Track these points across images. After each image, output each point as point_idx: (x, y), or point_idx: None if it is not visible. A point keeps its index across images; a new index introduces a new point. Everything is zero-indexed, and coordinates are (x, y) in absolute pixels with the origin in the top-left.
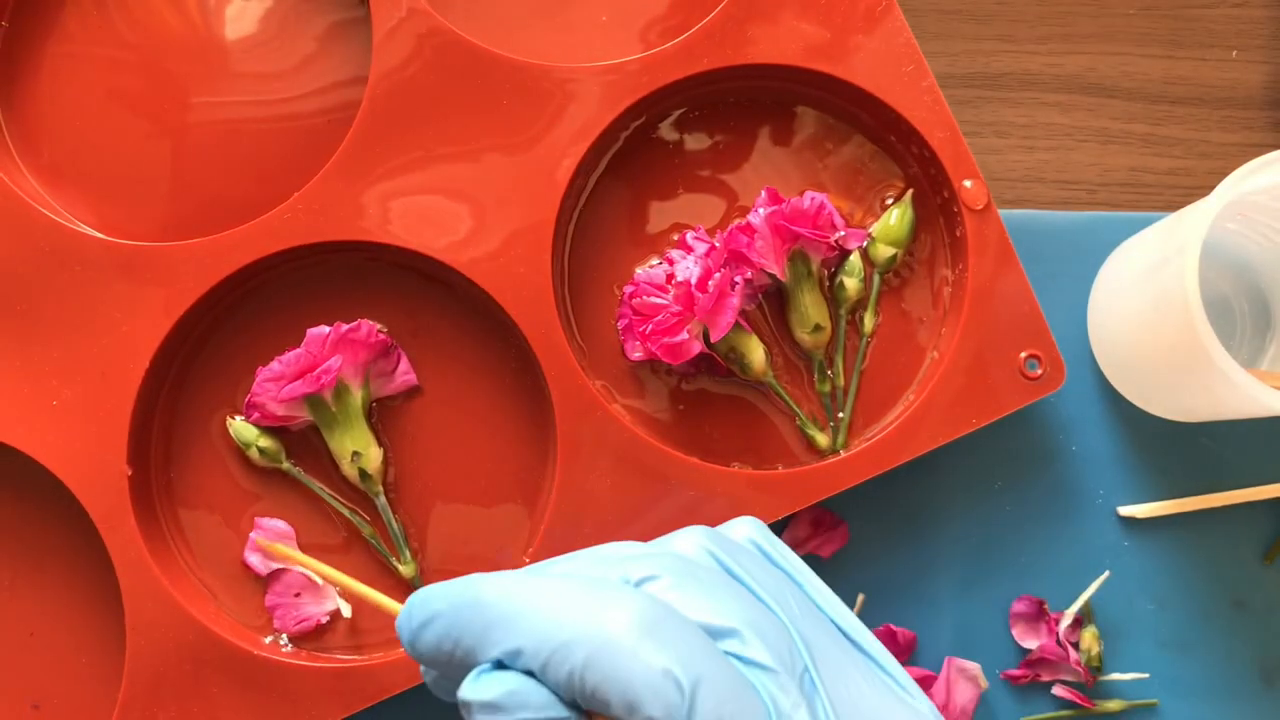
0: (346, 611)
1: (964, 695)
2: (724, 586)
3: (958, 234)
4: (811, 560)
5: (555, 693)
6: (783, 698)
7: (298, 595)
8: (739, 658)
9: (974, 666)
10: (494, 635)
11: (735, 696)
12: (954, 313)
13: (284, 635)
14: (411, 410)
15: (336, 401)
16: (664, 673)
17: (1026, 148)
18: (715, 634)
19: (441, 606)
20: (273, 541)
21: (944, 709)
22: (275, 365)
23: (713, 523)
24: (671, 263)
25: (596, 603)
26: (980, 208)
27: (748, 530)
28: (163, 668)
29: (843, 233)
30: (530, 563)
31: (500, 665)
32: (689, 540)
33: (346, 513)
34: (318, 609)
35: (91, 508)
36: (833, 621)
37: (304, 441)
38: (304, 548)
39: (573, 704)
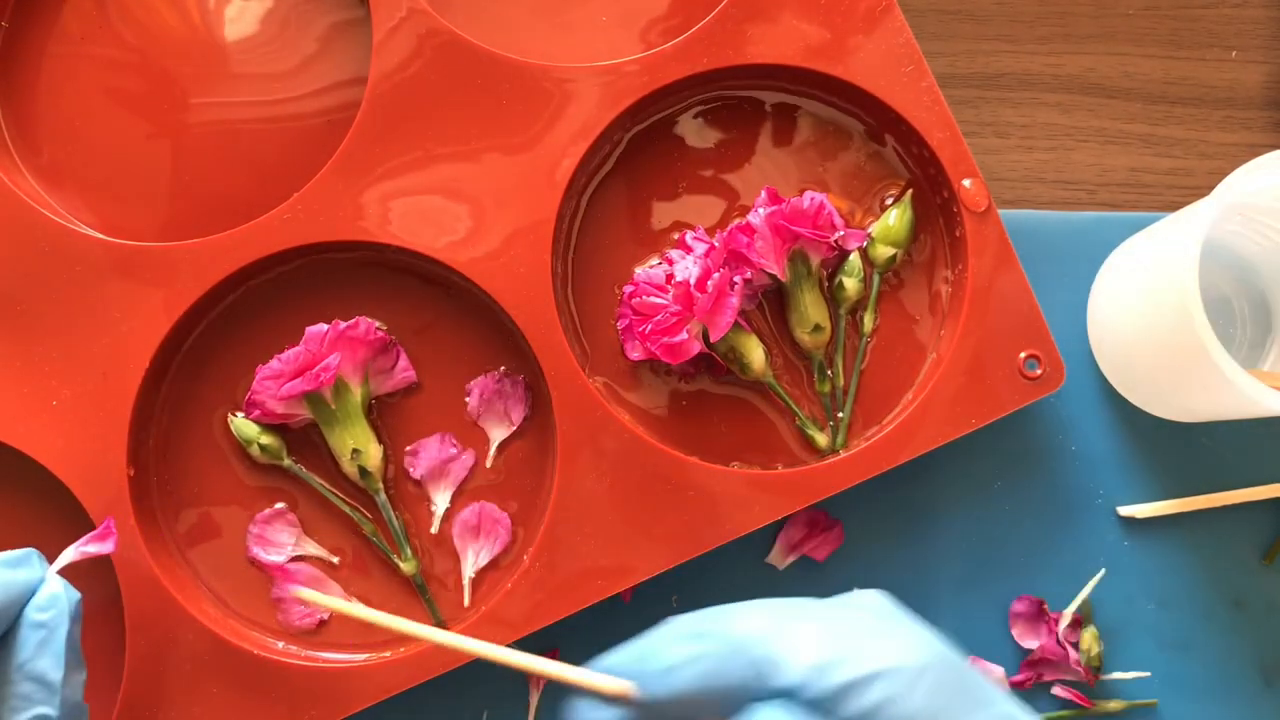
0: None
1: None
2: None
3: (957, 234)
4: (806, 563)
5: None
6: None
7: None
8: None
9: (997, 669)
10: (789, 658)
11: None
12: (953, 313)
13: (284, 636)
14: (411, 408)
15: (336, 399)
16: (986, 707)
17: (1026, 148)
18: None
19: (699, 647)
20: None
21: None
22: (275, 363)
23: (711, 522)
24: (671, 263)
25: (899, 639)
26: (981, 210)
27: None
28: (163, 668)
29: (842, 233)
30: (529, 563)
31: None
32: (866, 597)
33: (347, 510)
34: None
35: (91, 508)
36: None
37: (305, 439)
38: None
39: None
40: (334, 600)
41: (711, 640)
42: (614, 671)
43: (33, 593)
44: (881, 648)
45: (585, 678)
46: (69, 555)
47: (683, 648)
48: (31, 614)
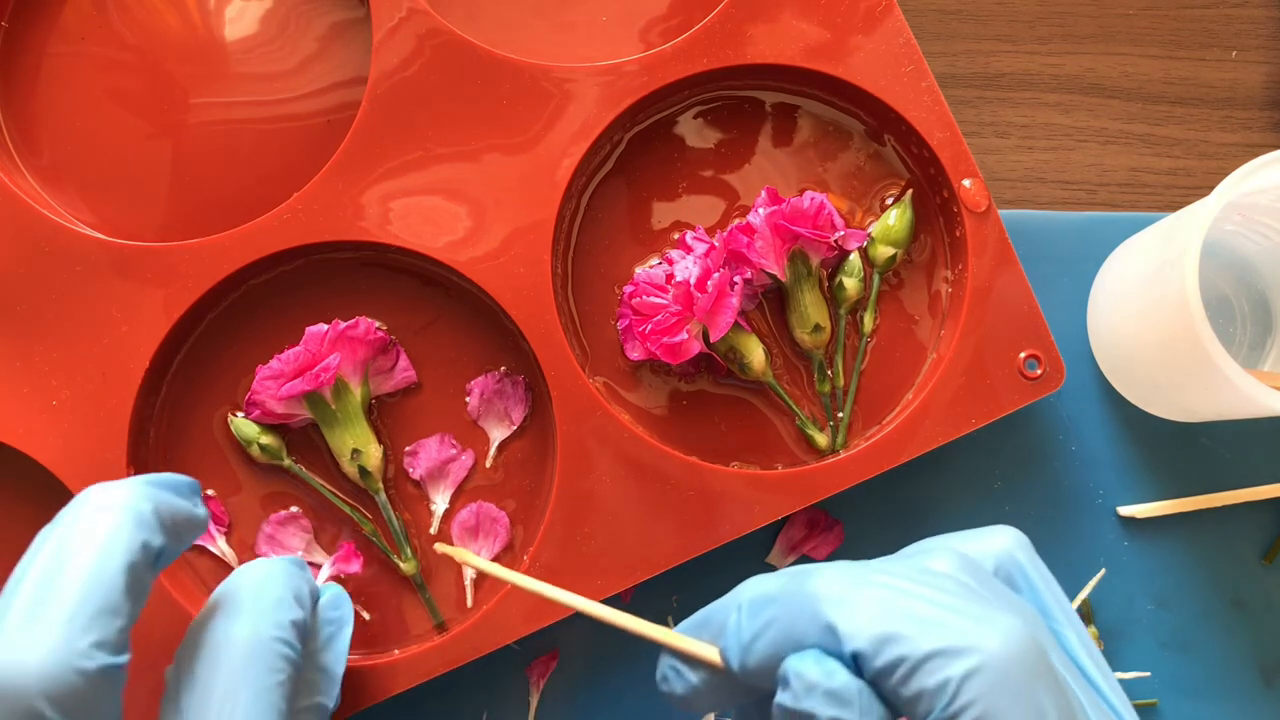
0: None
1: None
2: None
3: (957, 234)
4: (806, 563)
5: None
6: None
7: None
8: None
9: None
10: (850, 627)
11: None
12: (953, 313)
13: None
14: (411, 408)
15: (336, 399)
16: (1041, 714)
17: (1026, 148)
18: None
19: (772, 613)
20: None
21: None
22: (275, 363)
23: (711, 522)
24: (671, 262)
25: (976, 620)
26: (981, 210)
27: (1008, 544)
28: (163, 668)
29: (842, 233)
30: (530, 563)
31: (853, 668)
32: (943, 562)
33: (348, 510)
34: None
35: None
36: (1073, 658)
37: (305, 439)
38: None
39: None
40: (475, 558)
41: (782, 604)
42: (701, 635)
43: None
44: (951, 626)
45: (684, 643)
46: (326, 571)
47: (757, 618)
48: (326, 611)
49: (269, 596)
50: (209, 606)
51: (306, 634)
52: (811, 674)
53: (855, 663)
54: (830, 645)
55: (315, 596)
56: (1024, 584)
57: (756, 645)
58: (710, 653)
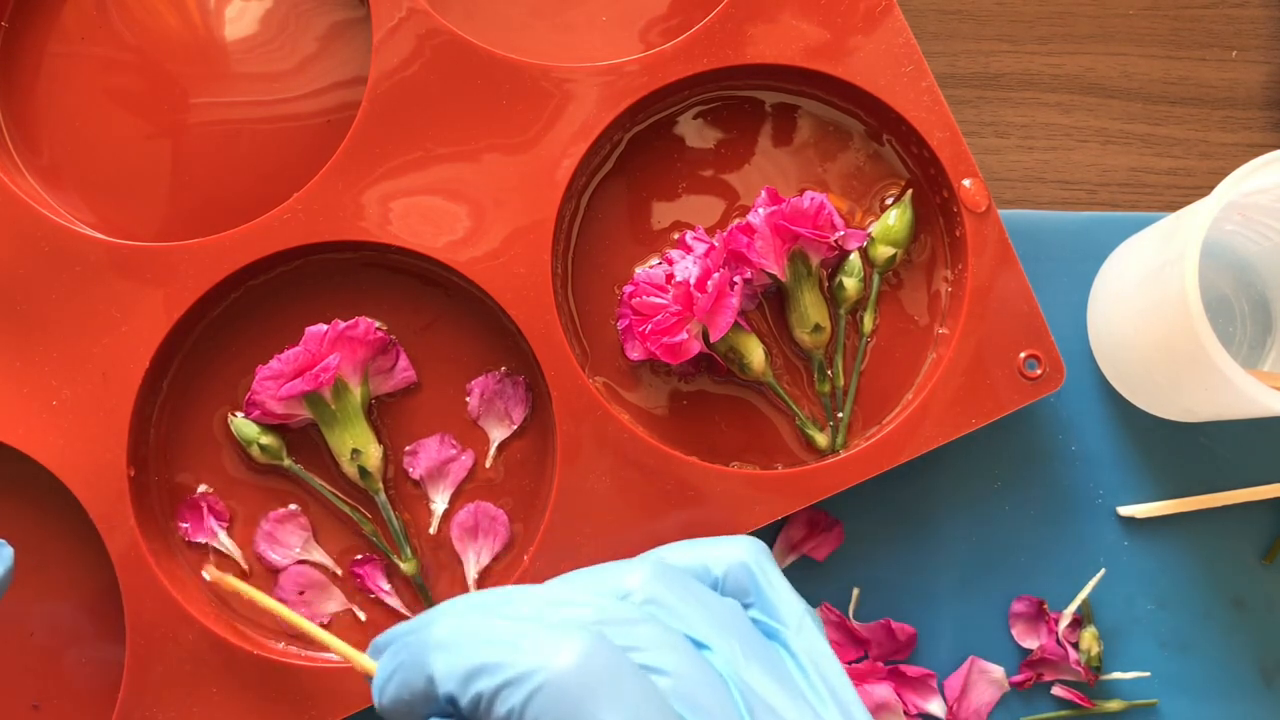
0: (361, 615)
1: (983, 697)
2: (660, 635)
3: (957, 234)
4: (806, 563)
5: None
6: None
7: (302, 593)
8: None
9: (997, 669)
10: (441, 672)
11: None
12: (953, 313)
13: (284, 636)
14: (411, 408)
15: (336, 399)
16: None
17: (1026, 148)
18: None
19: (398, 659)
20: (224, 575)
21: (956, 706)
22: (274, 363)
23: (711, 522)
24: (671, 262)
25: (541, 641)
26: (981, 210)
27: (739, 553)
28: (163, 668)
29: (842, 233)
30: (529, 563)
31: (454, 707)
32: (635, 576)
33: (348, 510)
34: (322, 608)
35: (91, 508)
36: (796, 659)
37: (305, 439)
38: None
39: None
40: (239, 584)
41: (405, 648)
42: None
43: None
44: (518, 653)
45: (348, 651)
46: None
47: (391, 660)
48: None
49: None
50: None
51: None
52: None
53: (453, 703)
54: (433, 691)
55: None
56: (754, 590)
57: (388, 689)
58: (370, 668)
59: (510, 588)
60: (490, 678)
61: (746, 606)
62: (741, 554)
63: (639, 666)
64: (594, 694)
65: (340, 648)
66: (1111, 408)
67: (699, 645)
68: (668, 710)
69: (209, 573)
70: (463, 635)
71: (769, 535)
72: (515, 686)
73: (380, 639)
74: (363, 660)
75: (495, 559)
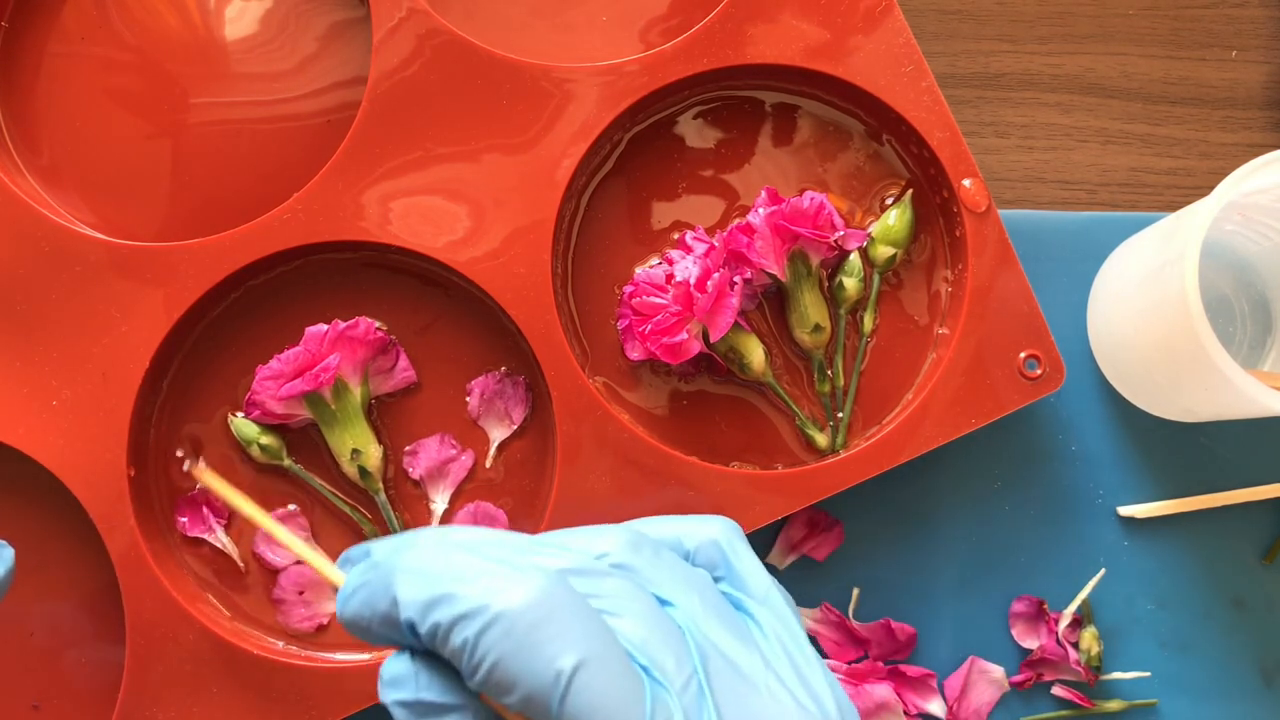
0: None
1: (982, 696)
2: (623, 587)
3: (957, 234)
4: (806, 563)
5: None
6: (666, 703)
7: (302, 593)
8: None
9: (997, 669)
10: (404, 597)
11: (614, 689)
12: (953, 313)
13: (284, 636)
14: (411, 408)
15: (336, 399)
16: (549, 657)
17: (1026, 148)
18: None
19: (366, 577)
20: (208, 471)
21: (956, 706)
22: (274, 363)
23: None
24: (671, 262)
25: (501, 579)
26: (981, 210)
27: (711, 531)
28: (163, 668)
29: (842, 233)
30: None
31: (415, 634)
32: (610, 539)
33: (348, 510)
34: (322, 608)
35: (91, 508)
36: (760, 626)
37: (305, 439)
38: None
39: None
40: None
41: (375, 572)
42: (348, 567)
43: None
44: (476, 588)
45: (317, 561)
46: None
47: (360, 576)
48: None
49: None
50: None
51: None
52: (385, 671)
53: (413, 630)
54: (395, 615)
55: None
56: (723, 564)
57: (352, 601)
58: (338, 580)
59: (492, 531)
60: (448, 608)
61: (717, 580)
62: (714, 531)
63: (595, 610)
64: (542, 629)
65: (310, 557)
66: (1111, 408)
67: (663, 603)
68: (617, 649)
69: (197, 470)
70: (432, 566)
71: (769, 535)
72: (470, 620)
73: (353, 551)
74: (332, 572)
75: None
